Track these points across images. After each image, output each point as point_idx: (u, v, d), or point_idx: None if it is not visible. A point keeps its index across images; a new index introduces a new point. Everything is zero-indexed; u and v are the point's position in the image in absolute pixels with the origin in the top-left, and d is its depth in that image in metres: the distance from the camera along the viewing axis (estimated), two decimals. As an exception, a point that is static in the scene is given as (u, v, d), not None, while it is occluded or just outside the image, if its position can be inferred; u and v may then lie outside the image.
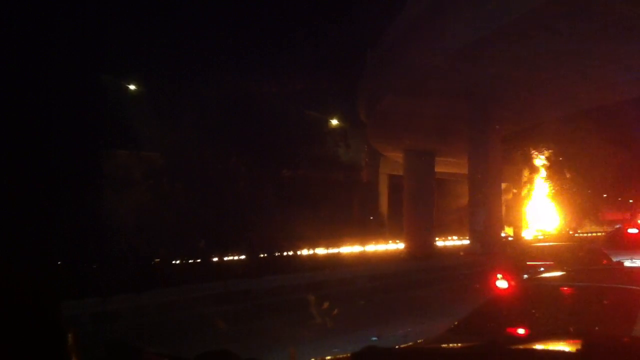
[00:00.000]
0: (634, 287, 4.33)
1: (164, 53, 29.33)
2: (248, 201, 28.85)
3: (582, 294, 4.41)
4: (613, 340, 1.90)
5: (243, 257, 25.30)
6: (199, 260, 23.70)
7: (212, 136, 29.27)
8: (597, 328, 3.55)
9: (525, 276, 5.74)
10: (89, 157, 25.79)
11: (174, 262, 24.41)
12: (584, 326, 3.60)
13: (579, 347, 1.99)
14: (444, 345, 3.08)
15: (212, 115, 29.21)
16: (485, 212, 29.74)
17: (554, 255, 12.00)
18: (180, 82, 29.37)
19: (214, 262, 23.88)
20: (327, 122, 38.07)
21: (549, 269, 10.23)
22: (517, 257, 13.47)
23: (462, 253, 31.01)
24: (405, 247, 35.65)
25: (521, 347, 2.10)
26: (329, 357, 2.41)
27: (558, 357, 2.02)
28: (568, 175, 43.65)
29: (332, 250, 30.87)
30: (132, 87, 30.23)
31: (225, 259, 24.91)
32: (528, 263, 11.55)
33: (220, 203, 28.05)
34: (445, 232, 42.95)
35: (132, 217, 26.03)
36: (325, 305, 12.41)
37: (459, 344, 3.23)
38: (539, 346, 2.34)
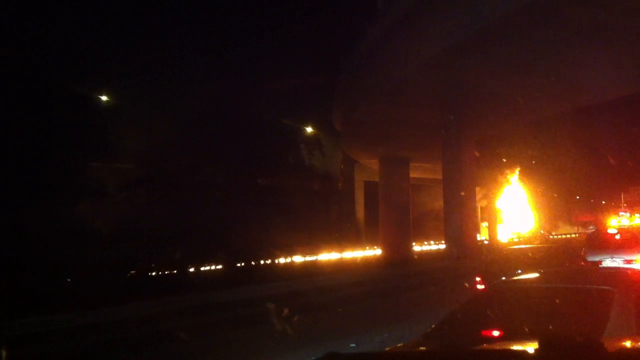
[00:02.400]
0: (606, 287, 4.38)
1: (138, 64, 29.15)
2: (224, 211, 28.72)
3: (555, 295, 4.45)
4: (567, 340, 1.92)
5: (220, 267, 25.12)
6: (175, 272, 23.49)
7: (188, 146, 29.15)
8: (550, 327, 3.58)
9: (503, 278, 5.77)
10: (64, 169, 25.49)
11: (150, 273, 24.17)
12: (557, 327, 3.63)
13: (535, 348, 2.02)
14: (404, 351, 3.10)
15: (187, 125, 29.09)
16: (460, 216, 29.95)
17: (532, 257, 12.23)
18: (155, 93, 29.22)
19: (191, 272, 23.69)
20: (302, 131, 38.10)
21: (527, 269, 10.46)
22: (497, 260, 13.65)
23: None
24: (382, 253, 35.72)
25: (477, 349, 2.12)
26: None
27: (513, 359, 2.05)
28: (541, 179, 44.20)
29: (310, 258, 30.82)
30: (107, 98, 29.97)
31: (202, 269, 24.72)
32: (507, 265, 11.74)
33: (197, 213, 27.89)
34: (421, 237, 43.15)
35: (108, 228, 25.78)
36: (303, 314, 12.37)
37: (422, 349, 3.26)
38: (495, 348, 2.37)
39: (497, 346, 2.62)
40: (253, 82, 32.69)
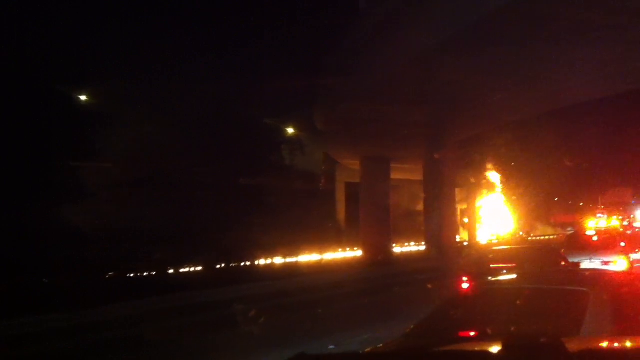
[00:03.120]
0: (581, 288, 4.41)
1: (124, 65, 28.92)
2: (205, 211, 28.59)
3: (532, 296, 4.47)
4: (530, 341, 1.93)
5: (199, 268, 24.96)
6: (154, 273, 23.31)
7: (171, 147, 28.98)
8: (513, 329, 3.60)
9: (490, 278, 5.81)
10: (44, 169, 25.22)
11: (129, 274, 23.95)
12: (533, 328, 3.64)
13: (499, 349, 2.03)
14: (375, 352, 3.09)
15: (170, 126, 28.92)
16: (440, 217, 30.11)
17: (515, 257, 12.36)
18: (140, 94, 29.01)
19: (170, 274, 23.51)
20: (284, 131, 38.05)
21: (511, 270, 10.61)
22: (481, 260, 13.74)
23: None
24: (362, 254, 35.76)
25: (442, 350, 2.13)
26: None
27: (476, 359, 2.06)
28: (520, 180, 44.58)
29: (290, 259, 30.76)
30: (94, 98, 29.69)
31: (182, 270, 24.54)
32: (492, 266, 11.84)
33: (178, 214, 27.74)
34: (402, 238, 43.28)
35: (88, 229, 25.54)
36: (283, 315, 12.33)
37: (393, 349, 3.26)
38: (460, 349, 2.37)
39: (463, 347, 2.62)
40: (236, 82, 32.54)
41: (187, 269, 25.19)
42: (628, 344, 2.69)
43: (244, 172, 32.67)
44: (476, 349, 2.52)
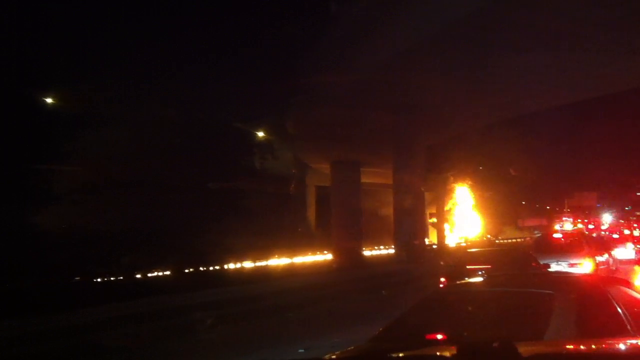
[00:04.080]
0: (546, 291, 4.47)
1: (92, 67, 28.50)
2: (173, 215, 28.34)
3: (498, 299, 4.53)
4: (483, 346, 1.96)
5: (168, 272, 24.69)
6: (121, 278, 22.98)
7: (139, 150, 28.64)
8: (465, 334, 3.65)
9: (467, 279, 5.87)
10: (8, 173, 24.75)
11: (95, 279, 23.56)
12: (499, 331, 3.69)
13: (452, 353, 2.07)
14: (328, 357, 3.11)
15: (138, 129, 28.60)
16: (409, 221, 30.32)
17: (490, 259, 12.61)
18: (108, 97, 28.63)
19: (138, 278, 23.22)
20: (254, 134, 37.91)
21: (487, 271, 10.84)
22: (457, 263, 13.94)
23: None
24: (333, 258, 35.78)
25: (399, 355, 2.16)
26: None
27: None
28: (488, 184, 45.13)
29: (260, 263, 30.63)
30: (56, 100, 29.18)
31: (150, 275, 24.24)
32: (468, 267, 12.06)
33: (146, 218, 27.43)
34: (372, 242, 43.43)
35: (54, 233, 25.12)
36: (252, 319, 12.28)
37: (351, 354, 3.28)
38: (417, 353, 2.41)
39: (420, 352, 2.65)
40: (207, 85, 32.32)
41: (155, 273, 24.90)
42: (582, 347, 2.75)
43: (214, 176, 32.46)
44: (431, 353, 2.55)
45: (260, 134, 38.04)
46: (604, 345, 2.82)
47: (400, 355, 2.29)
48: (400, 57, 22.07)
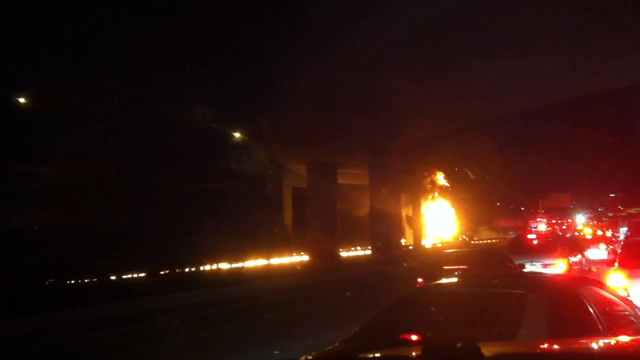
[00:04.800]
0: (519, 291, 4.51)
1: (63, 66, 28.10)
2: (148, 217, 28.08)
3: (472, 299, 4.56)
4: (446, 346, 1.98)
5: (143, 274, 24.45)
6: (95, 280, 22.70)
7: (114, 150, 28.35)
8: (429, 334, 3.67)
9: (444, 280, 5.90)
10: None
11: (69, 281, 23.24)
12: (474, 330, 3.71)
13: (417, 354, 2.08)
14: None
15: (115, 129, 28.31)
16: (386, 222, 30.44)
17: (466, 260, 12.74)
18: (83, 96, 28.26)
19: (112, 280, 22.95)
20: (230, 136, 37.73)
21: (464, 271, 10.95)
22: (435, 263, 14.06)
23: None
24: (309, 259, 35.77)
25: (364, 356, 2.17)
26: None
27: None
28: (463, 185, 45.47)
29: (237, 265, 30.48)
30: (30, 101, 28.72)
31: (124, 277, 23.97)
32: (445, 267, 12.15)
33: (121, 219, 27.16)
34: (349, 243, 43.52)
35: (27, 234, 24.76)
36: (228, 321, 12.23)
37: (321, 355, 3.29)
38: (382, 355, 2.43)
39: (385, 353, 2.67)
40: (182, 85, 32.06)
41: (130, 275, 24.63)
42: (548, 347, 2.77)
43: (190, 177, 32.23)
44: (395, 354, 2.56)
45: (237, 135, 37.88)
46: (572, 345, 2.85)
47: (368, 356, 2.30)
48: (375, 59, 22.19)
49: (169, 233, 27.32)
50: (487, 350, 2.01)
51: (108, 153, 28.46)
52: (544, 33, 19.03)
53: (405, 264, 23.54)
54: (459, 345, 1.98)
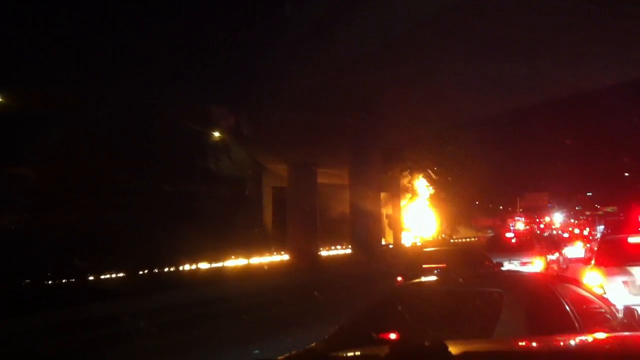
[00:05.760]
0: (496, 289, 4.54)
1: (38, 66, 27.77)
2: (128, 217, 27.88)
3: (450, 297, 4.58)
4: (414, 345, 1.99)
5: (122, 275, 24.24)
6: (73, 280, 22.47)
7: (91, 151, 28.10)
8: (403, 334, 3.69)
9: (423, 278, 5.92)
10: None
11: (46, 282, 22.99)
12: (451, 328, 3.72)
13: (385, 353, 2.09)
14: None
15: (90, 129, 28.05)
16: (366, 221, 30.51)
17: (445, 258, 12.80)
18: (57, 96, 27.95)
19: (91, 281, 22.73)
20: (210, 136, 37.58)
21: (443, 270, 11.01)
22: (414, 262, 14.11)
23: None
24: (289, 259, 35.76)
25: (332, 355, 2.17)
26: None
27: None
28: (442, 185, 45.76)
29: (216, 265, 30.36)
30: (2, 100, 28.30)
31: (103, 277, 23.76)
32: (424, 266, 12.19)
33: (100, 219, 26.94)
34: (329, 242, 43.59)
35: (2, 235, 24.48)
36: (208, 322, 12.17)
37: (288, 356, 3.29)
38: (349, 354, 2.44)
39: (354, 352, 2.68)
40: (160, 85, 31.87)
41: (108, 276, 24.41)
42: (516, 344, 2.79)
43: (168, 178, 32.03)
44: (363, 353, 2.57)
45: (217, 135, 37.74)
46: (545, 342, 2.87)
47: (339, 355, 2.30)
48: (356, 61, 22.21)
49: (147, 234, 27.13)
50: (454, 348, 2.02)
51: (85, 154, 28.20)
52: (521, 37, 19.18)
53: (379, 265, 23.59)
54: (426, 344, 1.99)
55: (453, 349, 1.93)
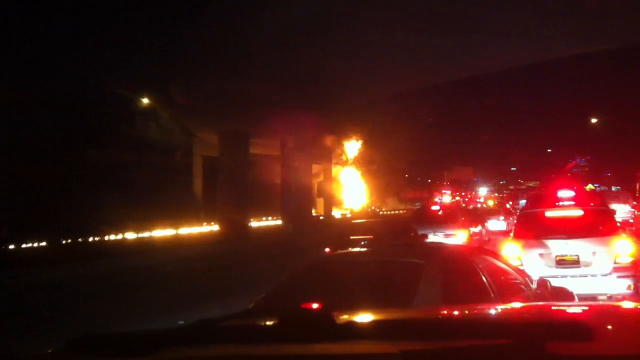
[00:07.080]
0: (416, 260, 4.65)
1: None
2: (51, 184, 26.95)
3: (371, 267, 4.67)
4: (304, 313, 2.03)
5: (44, 243, 23.48)
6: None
7: (8, 114, 26.89)
8: (311, 303, 3.77)
9: (350, 249, 5.96)
10: None
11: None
12: (371, 298, 3.79)
13: (274, 322, 2.12)
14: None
15: (8, 91, 26.79)
16: (296, 192, 30.62)
17: (372, 230, 12.98)
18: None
19: (10, 249, 21.92)
20: (138, 102, 36.51)
21: (369, 241, 11.16)
22: (343, 233, 14.24)
23: None
24: (219, 229, 35.52)
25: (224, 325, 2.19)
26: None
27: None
28: (373, 157, 46.34)
29: (144, 235, 29.81)
30: None
31: (24, 246, 22.94)
32: (352, 237, 12.31)
33: (19, 186, 25.93)
34: (260, 213, 43.50)
35: None
36: (132, 291, 11.98)
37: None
38: (241, 324, 2.46)
39: (246, 322, 2.71)
40: (86, 49, 30.62)
41: (30, 245, 23.59)
42: (426, 314, 2.87)
43: (94, 144, 31.04)
44: (251, 323, 2.60)
45: (145, 101, 36.70)
46: (456, 310, 2.96)
47: (227, 324, 2.30)
48: (290, 30, 22.07)
49: (72, 202, 26.33)
50: (340, 318, 2.06)
51: (8, 118, 26.98)
52: (452, 10, 19.50)
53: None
54: (313, 312, 2.02)
55: (339, 319, 1.96)
